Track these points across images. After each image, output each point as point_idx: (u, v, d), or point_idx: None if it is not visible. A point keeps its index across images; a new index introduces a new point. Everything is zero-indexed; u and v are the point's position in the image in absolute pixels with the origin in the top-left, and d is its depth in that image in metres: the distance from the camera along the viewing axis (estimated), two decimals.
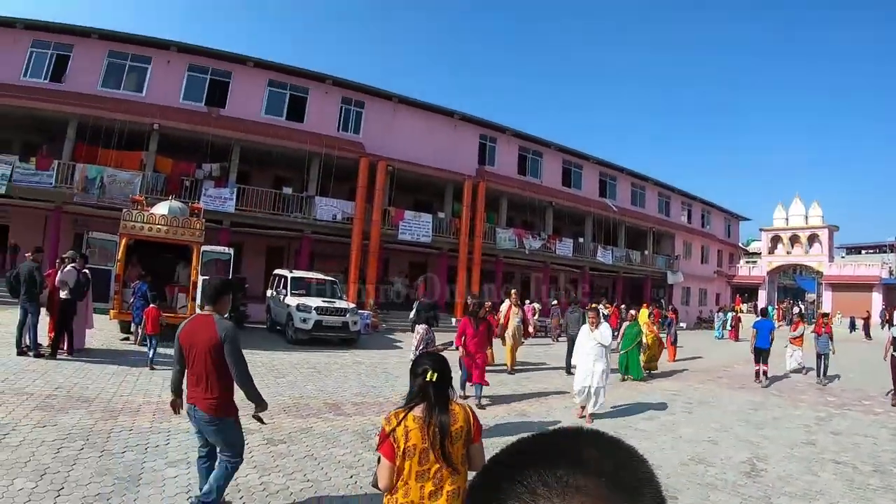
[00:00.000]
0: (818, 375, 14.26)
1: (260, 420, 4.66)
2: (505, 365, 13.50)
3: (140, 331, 12.52)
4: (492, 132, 29.87)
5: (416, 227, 24.28)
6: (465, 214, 25.30)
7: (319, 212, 22.71)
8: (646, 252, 36.89)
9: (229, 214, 21.30)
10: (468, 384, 9.69)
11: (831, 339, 14.40)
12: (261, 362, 11.92)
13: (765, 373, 13.71)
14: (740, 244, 53.29)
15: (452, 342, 9.03)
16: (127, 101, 21.49)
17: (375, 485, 2.94)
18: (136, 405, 7.57)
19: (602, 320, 9.57)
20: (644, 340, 13.99)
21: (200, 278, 13.39)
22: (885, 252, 62.57)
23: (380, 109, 26.30)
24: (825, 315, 16.33)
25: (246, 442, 4.78)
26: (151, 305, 11.16)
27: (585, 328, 9.17)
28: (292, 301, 15.85)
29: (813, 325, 32.21)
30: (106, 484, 4.86)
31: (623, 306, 23.39)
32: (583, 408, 8.91)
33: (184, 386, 4.40)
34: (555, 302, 25.11)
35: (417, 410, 2.78)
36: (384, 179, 23.65)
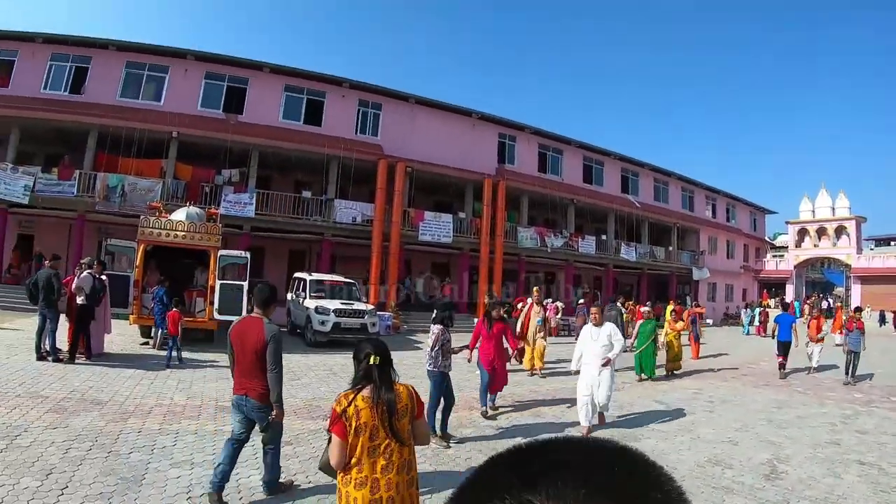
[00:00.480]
0: (846, 374, 13.38)
1: (270, 422, 4.83)
2: (527, 369, 12.79)
3: (159, 335, 12.69)
4: (511, 131, 29.61)
5: (437, 227, 24.05)
6: (486, 214, 25.02)
7: (339, 214, 22.66)
8: (670, 248, 36.26)
9: (249, 219, 21.43)
10: (488, 394, 8.50)
11: (863, 334, 13.48)
12: (308, 363, 12.25)
13: (783, 365, 14.26)
14: (767, 238, 52.33)
15: (468, 345, 8.48)
16: (146, 110, 21.75)
17: (324, 467, 3.13)
18: (148, 407, 7.61)
19: (616, 319, 9.46)
20: (663, 339, 13.74)
21: (218, 282, 13.58)
22: None
23: (397, 111, 26.20)
24: (858, 310, 15.53)
25: (252, 444, 5.21)
26: (174, 309, 11.68)
27: (588, 327, 8.15)
28: (311, 304, 15.85)
29: (832, 320, 31.71)
30: (109, 484, 4.92)
31: (648, 303, 22.55)
32: (588, 429, 7.73)
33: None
34: (581, 301, 24.66)
35: (365, 391, 3.00)
36: (403, 181, 23.49)
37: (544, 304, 14.48)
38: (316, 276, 17.90)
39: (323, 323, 15.20)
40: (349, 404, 2.92)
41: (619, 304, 17.01)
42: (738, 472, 6.20)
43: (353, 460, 2.89)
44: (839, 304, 27.79)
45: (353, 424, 2.89)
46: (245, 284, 13.68)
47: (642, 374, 12.72)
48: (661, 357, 13.71)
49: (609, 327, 8.05)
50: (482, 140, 28.27)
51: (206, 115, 22.86)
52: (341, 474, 2.92)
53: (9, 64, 22.03)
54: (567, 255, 29.10)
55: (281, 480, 5.09)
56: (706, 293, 39.48)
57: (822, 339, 14.94)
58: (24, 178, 19.28)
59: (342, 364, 12.58)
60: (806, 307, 35.70)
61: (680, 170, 39.60)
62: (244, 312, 13.16)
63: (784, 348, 14.10)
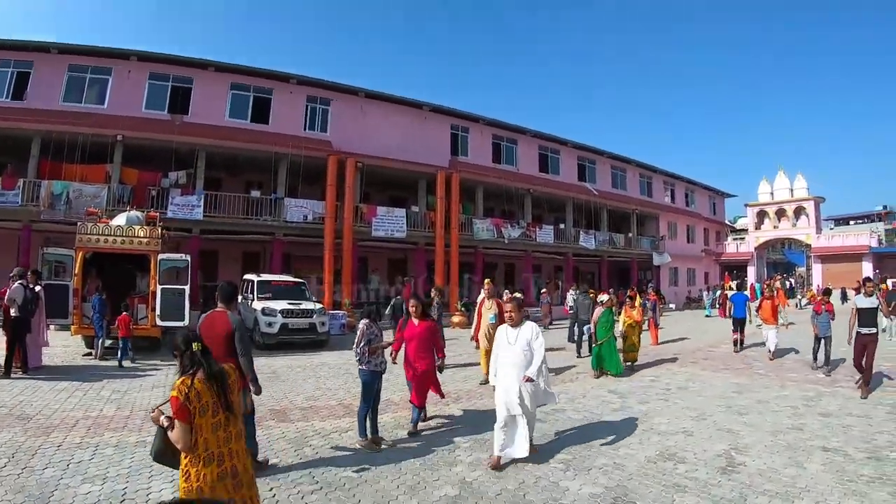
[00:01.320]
0: (814, 360, 12.28)
1: (251, 400, 5.39)
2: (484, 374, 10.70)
3: (100, 345, 12.43)
4: (464, 122, 29.51)
5: (390, 222, 23.97)
6: (440, 207, 24.99)
7: (290, 213, 22.38)
8: (630, 235, 36.71)
9: (198, 222, 21.05)
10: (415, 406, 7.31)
11: (833, 318, 12.52)
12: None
13: (739, 341, 15.44)
14: (727, 221, 53.19)
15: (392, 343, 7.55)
16: (89, 114, 21.19)
17: (159, 456, 3.36)
18: (74, 420, 7.36)
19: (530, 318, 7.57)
20: (621, 328, 12.75)
21: (159, 288, 13.25)
22: (873, 222, 62.78)
23: (347, 106, 25.90)
24: (828, 292, 15.59)
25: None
26: (124, 313, 12.14)
27: (504, 329, 6.30)
28: (258, 305, 15.59)
29: (800, 300, 32.08)
30: (15, 502, 4.76)
31: (610, 291, 22.11)
32: (499, 457, 5.86)
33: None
34: (544, 290, 25.06)
35: (199, 374, 3.19)
36: (354, 176, 23.29)
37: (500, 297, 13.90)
38: (264, 276, 17.65)
39: (270, 325, 14.94)
40: (189, 389, 3.09)
41: (586, 293, 16.86)
42: (691, 467, 5.83)
43: (201, 440, 3.10)
44: (779, 285, 28.36)
45: (196, 406, 3.09)
46: (187, 289, 13.41)
47: (605, 371, 11.40)
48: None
49: (528, 330, 6.06)
50: (435, 132, 28.16)
51: (151, 116, 22.27)
52: (188, 456, 3.11)
53: None
54: (525, 246, 29.23)
55: (259, 459, 5.56)
56: (668, 278, 40.17)
57: (778, 322, 14.19)
58: None
59: (288, 366, 12.39)
60: (766, 288, 36.39)
61: (638, 157, 39.91)
62: (187, 319, 13.05)
63: (739, 325, 15.48)
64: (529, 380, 5.78)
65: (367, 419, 6.58)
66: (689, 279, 43.22)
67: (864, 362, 9.31)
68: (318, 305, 16.32)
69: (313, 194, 23.65)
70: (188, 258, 14.16)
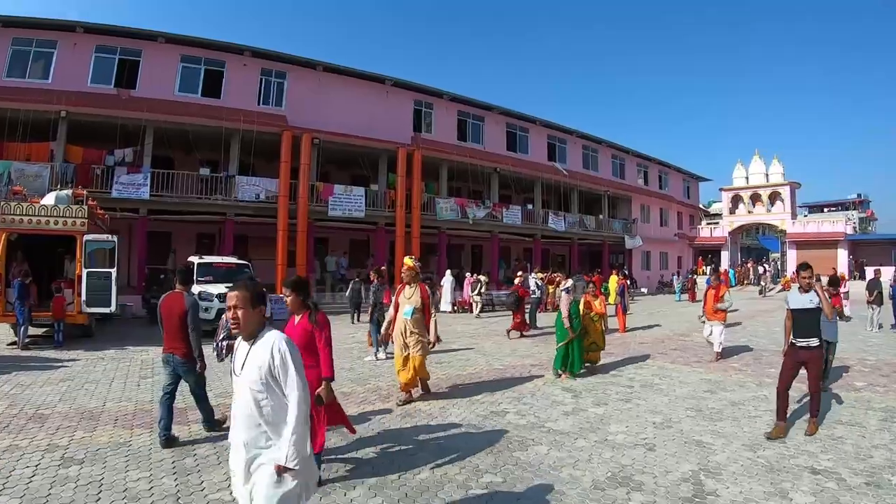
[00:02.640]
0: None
1: (201, 372, 6.10)
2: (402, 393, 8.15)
3: (22, 334, 11.73)
4: (427, 97, 28.58)
5: (348, 201, 23.09)
6: (401, 185, 24.13)
7: (241, 192, 21.45)
8: (601, 217, 36.12)
9: (145, 202, 20.17)
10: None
11: (841, 317, 10.05)
12: (142, 360, 10.76)
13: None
14: (701, 206, 52.90)
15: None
16: (33, 89, 20.26)
17: None
18: None
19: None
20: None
21: (85, 271, 12.46)
22: (847, 209, 63.02)
23: (304, 79, 24.89)
24: (834, 282, 10.90)
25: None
26: (56, 295, 12.27)
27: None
28: (196, 289, 14.74)
29: (763, 286, 31.80)
30: None
31: (575, 276, 18.46)
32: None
33: None
34: (520, 274, 23.30)
35: None
36: (310, 153, 22.38)
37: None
38: (206, 259, 16.68)
39: (206, 310, 13.87)
40: None
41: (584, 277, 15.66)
42: (649, 496, 4.59)
43: None
44: (723, 270, 28.52)
45: None
46: (114, 272, 12.64)
47: (563, 372, 9.42)
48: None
49: (265, 350, 2.87)
50: (396, 108, 27.19)
51: (97, 91, 21.31)
52: None
53: None
54: (491, 227, 28.49)
55: (217, 418, 6.26)
56: (640, 262, 39.79)
57: (722, 315, 11.66)
58: None
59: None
60: (736, 275, 36.24)
61: (610, 137, 39.23)
62: (114, 305, 12.62)
63: None
64: (281, 471, 2.72)
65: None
66: (662, 263, 42.86)
67: (788, 389, 6.52)
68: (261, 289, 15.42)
69: (270, 172, 22.76)
70: (115, 239, 13.13)
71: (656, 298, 31.72)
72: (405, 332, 7.53)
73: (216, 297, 14.21)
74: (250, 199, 21.63)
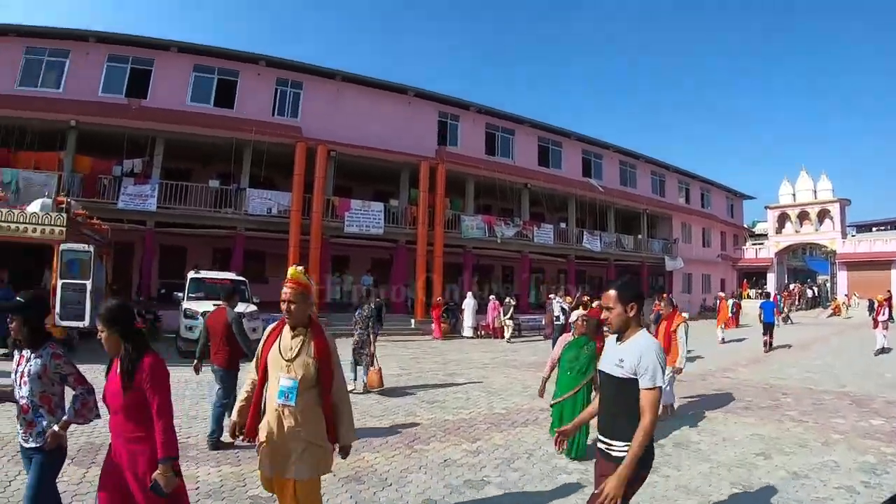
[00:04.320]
0: None
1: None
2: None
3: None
4: (453, 109, 27.01)
5: (365, 217, 21.62)
6: (423, 200, 22.53)
7: (252, 206, 20.35)
8: (639, 236, 33.94)
9: (152, 214, 19.32)
10: None
11: None
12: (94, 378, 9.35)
13: (768, 343, 17.23)
14: (745, 225, 50.09)
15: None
16: (44, 98, 19.96)
17: None
18: None
19: None
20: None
21: (59, 282, 11.61)
22: None
23: (321, 90, 23.73)
24: None
25: None
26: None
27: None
28: (185, 306, 13.52)
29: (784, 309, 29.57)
30: None
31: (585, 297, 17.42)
32: None
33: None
34: (552, 296, 21.48)
35: None
36: (325, 166, 21.06)
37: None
38: (201, 274, 15.41)
39: (190, 328, 12.88)
40: None
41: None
42: None
43: None
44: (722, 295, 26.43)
45: None
46: (88, 284, 11.72)
47: (560, 442, 3.93)
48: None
49: None
50: (420, 120, 25.70)
51: (108, 100, 20.80)
52: None
53: None
54: (521, 247, 26.66)
55: (221, 439, 6.05)
56: (681, 284, 37.29)
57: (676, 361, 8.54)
58: None
59: (196, 380, 10.10)
60: (784, 300, 33.58)
61: (649, 153, 37.05)
62: (87, 320, 11.62)
63: (767, 329, 17.44)
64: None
65: None
66: (704, 286, 40.25)
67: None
68: (251, 308, 13.98)
69: (285, 187, 21.54)
70: (90, 249, 12.11)
71: (698, 324, 29.26)
72: (279, 428, 3.31)
73: (200, 314, 12.82)
74: (261, 213, 20.54)
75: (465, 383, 10.98)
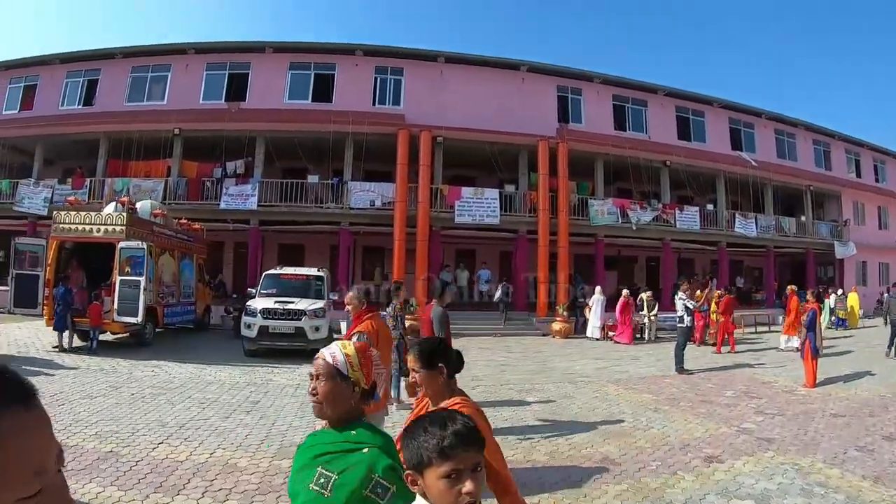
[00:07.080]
0: None
1: None
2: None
3: (65, 338, 11.78)
4: (574, 82, 24.09)
5: (478, 206, 19.50)
6: (543, 185, 19.92)
7: (355, 199, 19.42)
8: (803, 218, 28.82)
9: (254, 212, 19.59)
10: None
11: None
12: (182, 378, 9.29)
13: None
14: None
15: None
16: (151, 111, 21.66)
17: None
18: None
19: None
20: None
21: (118, 279, 11.96)
22: None
23: (423, 73, 22.30)
24: None
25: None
26: (94, 302, 11.99)
27: None
28: (250, 304, 12.64)
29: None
30: None
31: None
32: None
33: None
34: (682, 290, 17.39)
35: None
36: (430, 153, 19.33)
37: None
38: (277, 270, 14.42)
39: (249, 327, 11.94)
40: None
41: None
42: None
43: None
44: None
45: None
46: (142, 280, 11.89)
47: None
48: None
49: None
50: (536, 97, 22.98)
51: (209, 107, 21.89)
52: None
53: (32, 87, 23.40)
54: (660, 233, 23.14)
55: None
56: (854, 275, 31.16)
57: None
58: (44, 190, 20.32)
59: (245, 383, 9.06)
60: None
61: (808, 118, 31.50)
62: (141, 315, 11.97)
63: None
64: None
65: None
66: (882, 277, 33.46)
67: None
68: (319, 305, 12.61)
69: (388, 178, 20.21)
70: (144, 246, 12.29)
71: (873, 325, 23.41)
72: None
73: (259, 312, 12.02)
74: (364, 206, 19.55)
75: (549, 401, 8.58)
